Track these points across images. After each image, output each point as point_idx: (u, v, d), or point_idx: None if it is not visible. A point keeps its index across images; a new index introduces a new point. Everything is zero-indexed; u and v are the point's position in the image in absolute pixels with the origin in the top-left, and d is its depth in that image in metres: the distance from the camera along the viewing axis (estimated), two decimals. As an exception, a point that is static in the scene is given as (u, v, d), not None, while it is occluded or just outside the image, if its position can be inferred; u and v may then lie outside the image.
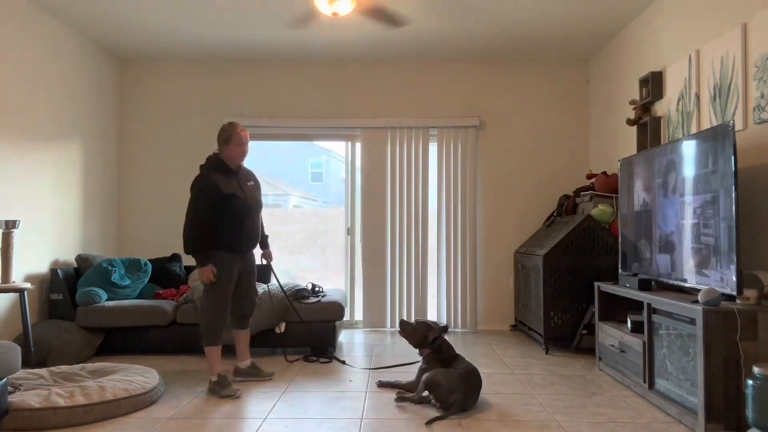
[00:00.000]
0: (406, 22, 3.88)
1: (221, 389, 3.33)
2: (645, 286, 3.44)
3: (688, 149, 3.11)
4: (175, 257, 5.17)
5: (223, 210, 3.38)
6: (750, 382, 2.43)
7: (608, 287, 3.81)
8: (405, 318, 5.54)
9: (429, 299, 5.63)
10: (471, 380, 3.07)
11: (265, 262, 3.83)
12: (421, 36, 5.00)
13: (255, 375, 3.70)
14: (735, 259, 2.68)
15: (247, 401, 3.24)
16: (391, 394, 3.37)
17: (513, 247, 5.65)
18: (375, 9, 3.76)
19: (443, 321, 5.55)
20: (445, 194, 5.63)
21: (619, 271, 3.96)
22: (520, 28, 4.81)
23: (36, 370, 3.39)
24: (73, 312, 4.41)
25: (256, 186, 3.67)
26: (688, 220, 3.09)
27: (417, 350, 3.42)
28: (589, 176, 5.03)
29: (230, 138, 3.45)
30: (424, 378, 3.12)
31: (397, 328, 5.56)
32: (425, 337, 3.33)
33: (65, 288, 4.44)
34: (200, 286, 4.52)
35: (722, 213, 2.78)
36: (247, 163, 3.78)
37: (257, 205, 3.59)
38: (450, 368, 3.14)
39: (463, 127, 5.61)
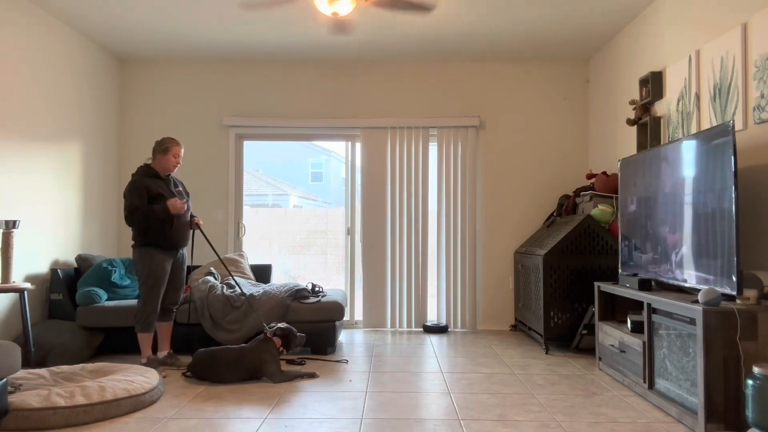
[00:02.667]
0: (433, 6, 3.71)
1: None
2: (645, 286, 3.44)
3: (688, 149, 3.11)
4: (175, 257, 5.16)
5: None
6: (750, 382, 2.43)
7: (608, 287, 3.81)
8: (404, 318, 5.54)
9: (429, 299, 5.63)
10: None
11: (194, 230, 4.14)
12: (422, 36, 5.00)
13: (172, 364, 4.00)
14: (735, 259, 2.68)
15: (247, 401, 3.24)
16: (391, 395, 3.37)
17: (513, 247, 5.65)
18: (397, 0, 3.61)
19: (443, 321, 5.55)
20: (445, 194, 5.63)
21: (619, 271, 3.96)
22: (520, 28, 4.81)
23: (36, 370, 3.39)
24: (73, 312, 4.41)
25: (184, 191, 4.12)
26: (688, 220, 3.09)
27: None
28: (589, 176, 5.03)
29: (168, 149, 3.92)
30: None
31: (398, 328, 5.56)
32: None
33: (65, 288, 4.44)
34: (201, 286, 4.52)
35: (722, 213, 2.78)
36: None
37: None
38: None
39: (463, 127, 5.61)
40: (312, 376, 3.74)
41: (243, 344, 3.86)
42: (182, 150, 4.01)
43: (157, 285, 3.84)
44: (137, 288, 4.70)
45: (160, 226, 3.83)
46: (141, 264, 3.83)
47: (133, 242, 3.90)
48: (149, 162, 3.97)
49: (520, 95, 5.70)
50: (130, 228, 3.88)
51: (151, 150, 4.06)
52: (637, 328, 3.42)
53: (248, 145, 5.80)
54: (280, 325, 3.90)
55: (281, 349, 3.83)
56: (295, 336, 3.90)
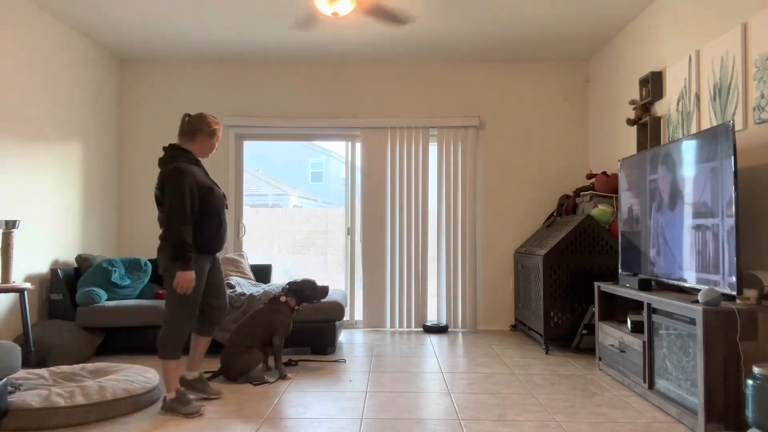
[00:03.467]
0: (410, 19, 3.84)
1: (182, 406, 2.98)
2: (645, 286, 3.44)
3: (688, 149, 3.11)
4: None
5: (204, 206, 3.08)
6: (750, 382, 2.43)
7: (608, 287, 3.81)
8: (404, 318, 5.54)
9: (429, 299, 5.63)
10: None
11: None
12: (421, 36, 5.00)
13: (200, 390, 3.27)
14: (735, 259, 2.68)
15: (247, 401, 3.24)
16: (391, 395, 3.37)
17: (513, 247, 5.65)
18: (378, 8, 3.74)
19: (443, 321, 5.55)
20: (445, 194, 5.63)
21: (619, 271, 3.96)
22: (520, 27, 4.81)
23: (36, 370, 3.38)
24: (73, 312, 4.41)
25: None
26: (688, 220, 3.09)
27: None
28: (589, 176, 5.03)
29: (214, 133, 3.17)
30: None
31: (398, 328, 5.56)
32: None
33: (65, 288, 4.44)
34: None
35: (722, 213, 2.78)
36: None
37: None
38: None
39: (463, 127, 5.61)
40: (284, 377, 3.70)
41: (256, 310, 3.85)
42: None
43: (196, 300, 3.07)
44: (137, 288, 4.71)
45: (206, 228, 3.09)
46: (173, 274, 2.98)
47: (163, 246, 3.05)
48: (181, 144, 3.14)
49: (520, 95, 5.70)
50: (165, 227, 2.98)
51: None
52: (637, 328, 3.42)
53: (248, 145, 5.80)
54: (290, 282, 3.88)
55: (296, 307, 3.85)
56: (310, 288, 3.86)
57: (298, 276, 6.46)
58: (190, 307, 3.02)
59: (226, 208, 3.25)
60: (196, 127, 3.13)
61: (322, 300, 4.06)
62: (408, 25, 4.73)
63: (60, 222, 4.70)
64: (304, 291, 3.87)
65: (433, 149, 5.72)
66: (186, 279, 2.92)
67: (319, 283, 4.11)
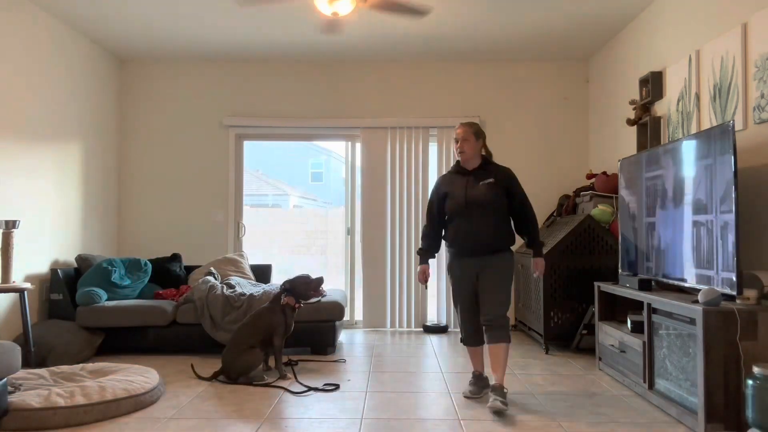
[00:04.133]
0: (428, 11, 3.72)
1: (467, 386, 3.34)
2: (645, 286, 3.44)
3: (688, 149, 3.11)
4: (175, 257, 5.17)
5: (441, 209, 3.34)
6: (750, 382, 2.43)
7: (608, 287, 3.81)
8: (404, 318, 5.54)
9: (429, 299, 5.63)
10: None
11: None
12: (421, 36, 5.00)
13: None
14: (735, 259, 2.68)
15: (247, 401, 3.24)
16: (391, 395, 3.37)
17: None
18: (394, 3, 3.62)
19: (443, 321, 5.55)
20: (445, 194, 5.62)
21: (619, 271, 3.96)
22: (520, 27, 4.81)
23: (36, 370, 3.39)
24: (73, 312, 4.41)
25: (493, 183, 3.25)
26: (688, 220, 3.09)
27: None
28: (589, 176, 5.03)
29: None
30: None
31: (398, 328, 5.56)
32: None
33: (65, 288, 4.44)
34: (201, 286, 4.51)
35: (722, 213, 2.78)
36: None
37: (476, 204, 3.22)
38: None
39: (463, 127, 5.60)
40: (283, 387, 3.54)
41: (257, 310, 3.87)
42: (463, 131, 3.29)
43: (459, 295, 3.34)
44: (137, 288, 4.71)
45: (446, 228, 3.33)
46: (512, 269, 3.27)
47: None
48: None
49: (520, 95, 5.70)
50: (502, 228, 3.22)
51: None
52: (637, 328, 3.42)
53: (248, 145, 5.80)
54: (284, 282, 3.90)
55: (297, 306, 3.86)
56: (302, 283, 3.88)
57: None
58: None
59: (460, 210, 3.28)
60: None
61: (322, 296, 4.04)
62: (409, 25, 4.73)
63: (60, 222, 4.70)
64: (297, 288, 3.88)
65: (433, 149, 5.72)
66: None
67: (314, 275, 4.08)
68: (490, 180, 3.23)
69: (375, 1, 3.62)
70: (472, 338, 3.35)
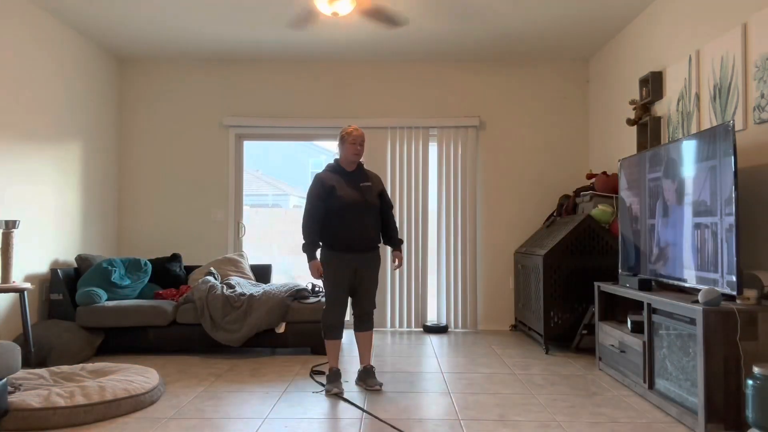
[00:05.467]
0: (405, 22, 3.87)
1: (329, 385, 3.43)
2: (645, 286, 3.44)
3: (688, 149, 3.11)
4: (175, 257, 5.17)
5: (329, 206, 3.47)
6: (750, 382, 2.43)
7: (608, 287, 3.81)
8: (404, 318, 5.54)
9: (429, 299, 5.63)
10: None
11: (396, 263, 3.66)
12: (421, 36, 5.00)
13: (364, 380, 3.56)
14: (735, 259, 2.68)
15: (247, 401, 3.24)
16: (392, 395, 3.37)
17: (513, 247, 5.65)
18: (374, 9, 3.76)
19: (443, 321, 5.55)
20: (445, 194, 5.63)
21: (619, 271, 3.96)
22: (521, 28, 4.81)
23: (36, 370, 3.39)
24: (73, 312, 4.40)
25: (372, 187, 3.58)
26: (688, 220, 3.09)
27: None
28: (589, 176, 5.03)
29: (343, 139, 3.57)
30: None
31: (398, 328, 5.56)
32: None
33: (65, 288, 4.44)
34: (201, 286, 4.51)
35: (722, 213, 2.78)
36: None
37: (362, 204, 3.48)
38: None
39: (463, 127, 5.61)
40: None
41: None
42: (360, 134, 3.56)
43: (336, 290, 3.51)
44: (137, 288, 4.71)
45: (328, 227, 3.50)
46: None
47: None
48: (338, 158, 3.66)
49: (520, 95, 5.70)
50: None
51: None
52: (637, 328, 3.42)
53: (248, 145, 5.80)
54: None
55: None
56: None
57: (299, 276, 6.46)
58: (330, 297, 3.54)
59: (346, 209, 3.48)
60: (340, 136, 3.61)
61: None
62: (408, 26, 4.73)
63: (60, 222, 4.70)
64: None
65: (433, 149, 5.72)
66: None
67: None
68: (369, 183, 3.57)
69: (362, 7, 3.69)
70: (338, 330, 3.52)
